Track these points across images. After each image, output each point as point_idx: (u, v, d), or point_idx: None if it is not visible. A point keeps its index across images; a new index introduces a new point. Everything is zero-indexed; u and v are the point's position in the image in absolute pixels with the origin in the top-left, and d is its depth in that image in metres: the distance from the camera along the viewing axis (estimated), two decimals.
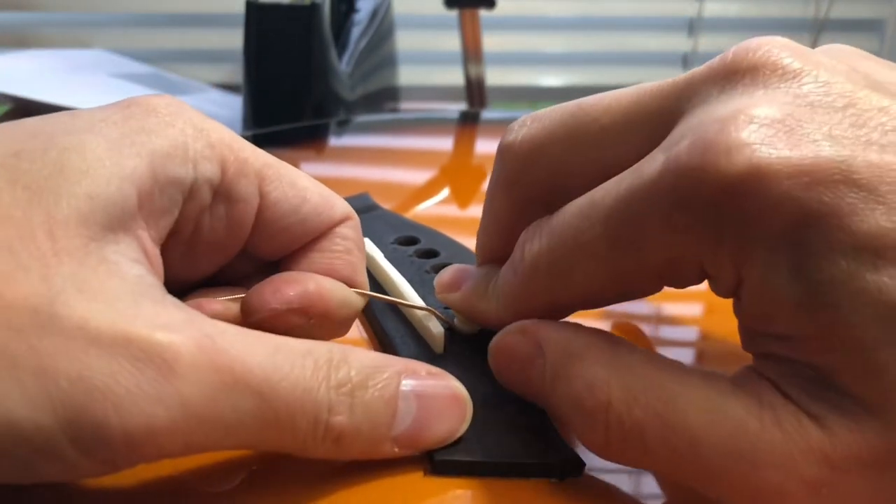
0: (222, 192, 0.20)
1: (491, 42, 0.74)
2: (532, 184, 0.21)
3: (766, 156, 0.16)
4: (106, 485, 0.18)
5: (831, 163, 0.15)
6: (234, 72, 0.77)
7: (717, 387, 0.17)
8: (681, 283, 0.18)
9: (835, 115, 0.16)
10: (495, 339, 0.21)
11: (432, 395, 0.19)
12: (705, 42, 1.01)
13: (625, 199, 0.17)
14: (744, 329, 0.18)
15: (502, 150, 0.22)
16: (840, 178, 0.15)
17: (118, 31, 0.88)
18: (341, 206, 0.22)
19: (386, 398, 0.18)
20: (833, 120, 0.16)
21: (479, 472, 0.19)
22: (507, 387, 0.21)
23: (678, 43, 1.02)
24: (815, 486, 0.16)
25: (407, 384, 0.18)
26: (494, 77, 0.82)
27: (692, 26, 1.02)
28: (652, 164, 0.17)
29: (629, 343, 0.19)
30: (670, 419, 0.17)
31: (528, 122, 0.21)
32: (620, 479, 0.19)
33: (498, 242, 0.22)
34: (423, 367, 0.19)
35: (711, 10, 1.01)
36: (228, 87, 0.72)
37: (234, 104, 0.66)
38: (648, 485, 0.19)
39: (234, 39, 0.58)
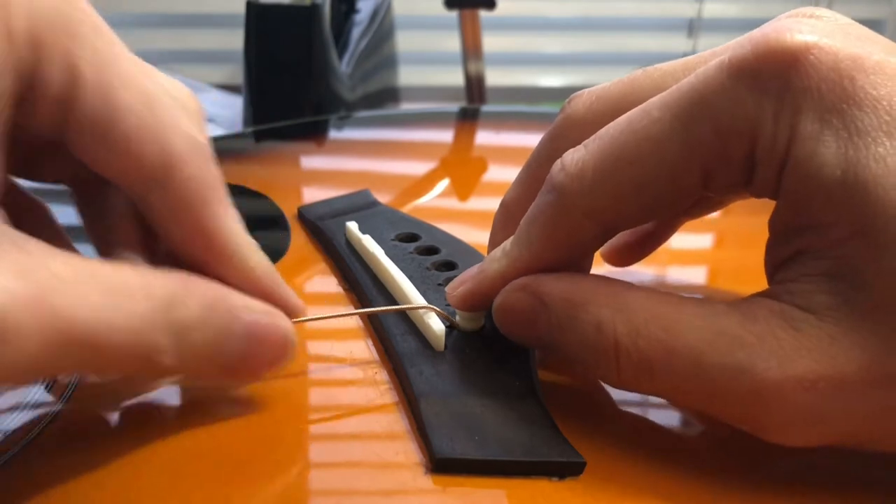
0: (31, 83, 0.18)
1: (491, 42, 0.74)
2: (589, 123, 0.21)
3: (830, 41, 0.17)
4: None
5: (890, 65, 0.17)
6: (235, 72, 0.77)
7: (713, 310, 0.18)
8: (725, 179, 0.19)
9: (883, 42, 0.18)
10: (498, 299, 0.22)
11: (263, 333, 0.20)
12: (705, 42, 1.01)
13: (692, 83, 0.18)
14: (776, 231, 0.19)
15: (569, 99, 0.23)
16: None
17: (118, 31, 0.88)
18: (177, 137, 0.20)
19: (215, 337, 0.19)
20: (888, 47, 0.18)
21: (480, 470, 0.19)
22: (515, 341, 0.22)
23: (678, 43, 1.02)
24: (812, 381, 0.17)
25: (239, 322, 0.19)
26: (494, 77, 0.82)
27: (692, 27, 1.02)
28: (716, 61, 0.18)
29: (626, 282, 0.20)
30: (672, 344, 0.18)
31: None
32: (618, 478, 0.19)
33: (526, 188, 0.23)
34: (260, 305, 0.20)
35: (711, 10, 1.01)
36: (229, 88, 0.72)
37: (235, 104, 0.66)
38: (646, 484, 0.19)
39: (235, 40, 0.58)
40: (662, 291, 0.19)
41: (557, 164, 0.20)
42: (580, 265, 0.23)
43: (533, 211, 0.21)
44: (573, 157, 0.20)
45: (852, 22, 0.19)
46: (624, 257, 0.27)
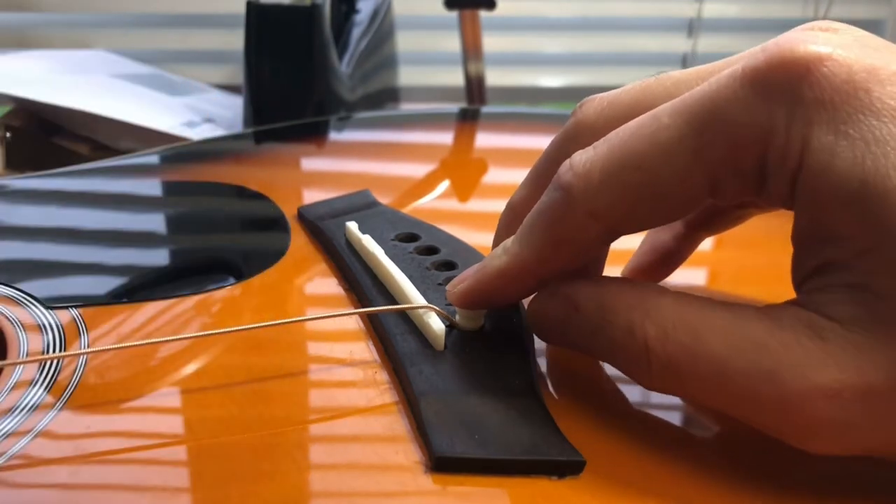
0: None
1: (491, 42, 0.74)
2: (600, 129, 0.21)
3: (844, 52, 0.17)
4: None
5: None
6: (235, 72, 0.77)
7: (740, 315, 0.18)
8: (733, 188, 0.19)
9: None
10: (530, 304, 0.22)
11: None
12: (705, 43, 1.01)
13: (704, 91, 0.18)
14: (798, 243, 0.19)
15: (581, 103, 0.23)
16: None
17: (118, 31, 0.88)
18: None
19: None
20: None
21: (480, 469, 0.19)
22: (548, 343, 0.23)
23: (678, 43, 1.02)
24: (837, 390, 0.17)
25: None
26: (494, 77, 0.82)
27: (692, 27, 1.02)
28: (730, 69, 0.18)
29: (657, 286, 0.20)
30: (697, 349, 0.18)
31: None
32: (618, 477, 0.19)
33: (534, 190, 0.23)
34: None
35: (711, 10, 1.01)
36: (229, 88, 0.72)
37: (235, 104, 0.65)
38: (646, 482, 0.19)
39: (235, 40, 0.58)
40: (692, 295, 0.19)
41: (566, 164, 0.20)
42: (587, 269, 0.23)
43: (538, 209, 0.21)
44: (581, 157, 0.20)
45: (869, 34, 0.19)
46: (645, 276, 0.26)
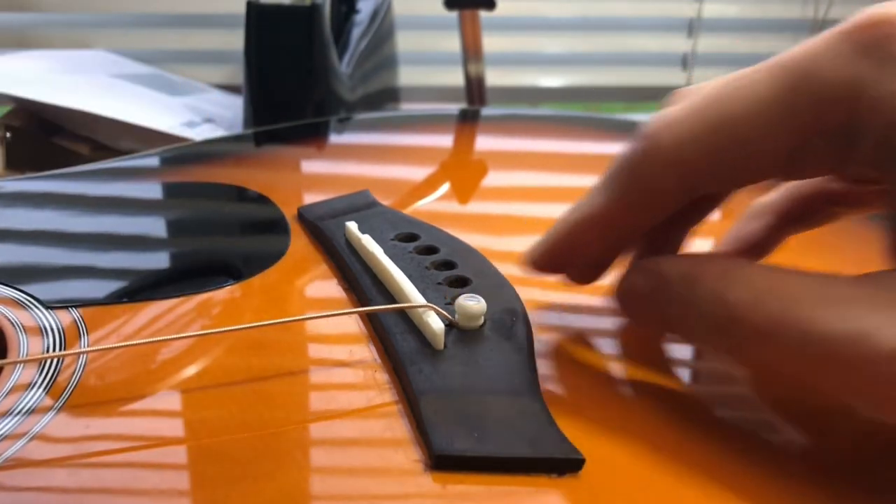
0: None
1: (491, 42, 0.74)
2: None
3: None
4: None
5: None
6: (235, 72, 0.77)
7: (832, 280, 0.18)
8: (816, 151, 0.19)
9: None
10: (619, 282, 0.22)
11: None
12: (705, 42, 1.01)
13: (796, 51, 0.18)
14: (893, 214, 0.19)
15: (671, 94, 0.22)
16: None
17: (118, 31, 0.88)
18: None
19: None
20: None
21: (480, 466, 0.19)
22: (635, 322, 0.23)
23: (678, 43, 1.02)
24: None
25: None
26: (494, 77, 0.82)
27: (692, 27, 1.02)
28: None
29: (742, 259, 0.20)
30: (786, 314, 0.18)
31: None
32: (617, 475, 0.19)
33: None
34: None
35: (711, 10, 1.01)
36: (229, 88, 0.72)
37: (235, 105, 0.66)
38: (645, 481, 0.19)
39: (235, 40, 0.58)
40: (778, 266, 0.19)
41: (653, 116, 0.20)
42: (669, 237, 0.23)
43: (619, 157, 0.21)
44: (670, 108, 0.20)
45: None
46: None
